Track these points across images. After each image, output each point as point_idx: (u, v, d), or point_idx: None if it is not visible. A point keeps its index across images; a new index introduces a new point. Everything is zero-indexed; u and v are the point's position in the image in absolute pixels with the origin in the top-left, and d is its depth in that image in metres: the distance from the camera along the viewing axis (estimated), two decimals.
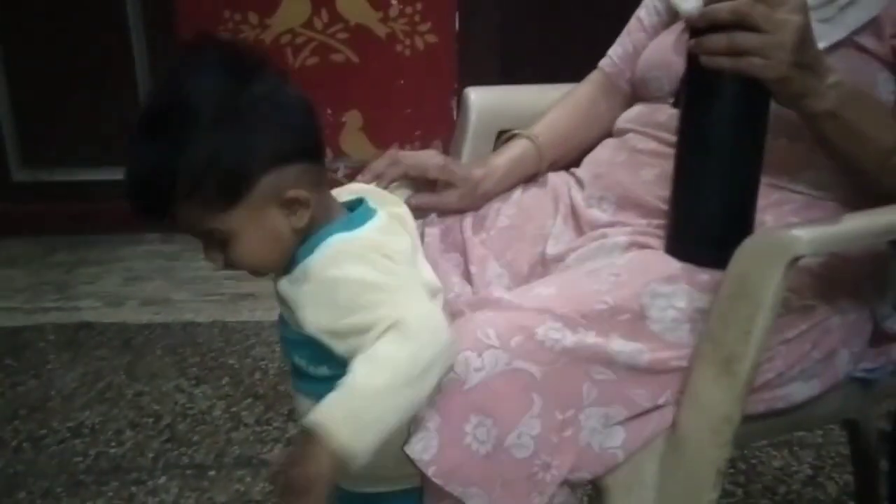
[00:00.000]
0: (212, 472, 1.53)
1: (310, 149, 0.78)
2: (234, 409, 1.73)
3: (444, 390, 0.78)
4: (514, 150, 1.09)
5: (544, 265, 1.01)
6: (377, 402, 0.70)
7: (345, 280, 0.74)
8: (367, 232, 0.78)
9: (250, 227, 0.75)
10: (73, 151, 2.54)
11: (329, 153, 2.53)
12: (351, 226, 0.79)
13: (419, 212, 1.01)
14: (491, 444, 0.77)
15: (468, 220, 1.05)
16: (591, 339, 0.81)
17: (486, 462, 0.78)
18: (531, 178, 1.10)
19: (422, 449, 0.77)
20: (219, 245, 0.76)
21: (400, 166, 0.98)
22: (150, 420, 1.69)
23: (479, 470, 0.78)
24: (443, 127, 2.38)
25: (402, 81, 2.42)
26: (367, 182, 0.95)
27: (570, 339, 0.80)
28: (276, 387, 1.80)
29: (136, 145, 0.75)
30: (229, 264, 0.77)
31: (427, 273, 0.85)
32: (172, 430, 1.66)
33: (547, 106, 1.16)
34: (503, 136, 1.14)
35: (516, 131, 1.12)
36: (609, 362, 0.82)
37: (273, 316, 0.90)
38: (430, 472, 0.77)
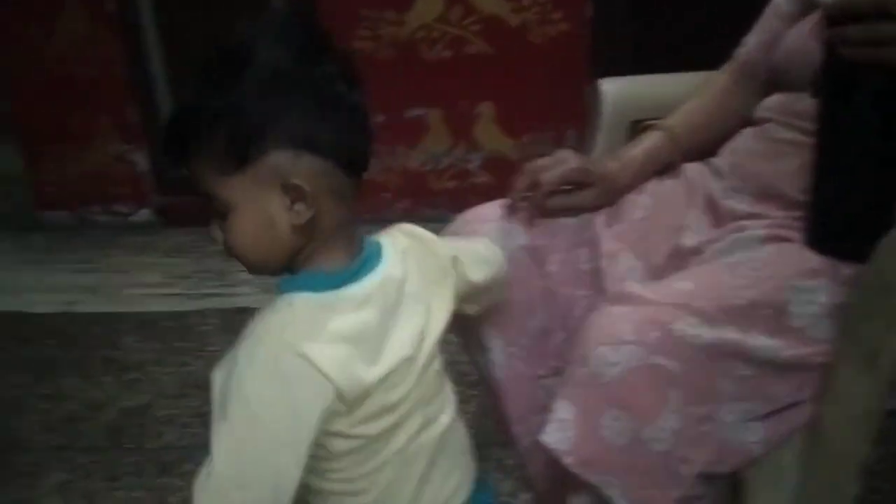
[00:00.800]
0: None
1: (338, 151, 0.72)
2: None
3: (578, 383, 0.81)
4: (649, 141, 1.09)
5: (680, 257, 1.01)
6: None
7: (240, 382, 0.70)
8: (328, 306, 0.74)
9: (248, 204, 0.72)
10: None
11: (463, 146, 2.56)
12: (326, 285, 0.75)
13: (557, 214, 1.03)
14: (628, 437, 0.79)
15: (602, 214, 1.04)
16: (730, 334, 0.81)
17: (622, 454, 0.79)
18: (666, 169, 1.10)
19: (558, 439, 0.79)
20: (220, 218, 0.75)
21: (543, 187, 1.00)
22: None
23: (617, 461, 0.79)
24: (576, 116, 2.37)
25: (534, 71, 2.42)
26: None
27: (708, 334, 0.81)
28: None
29: (190, 79, 0.74)
30: (227, 245, 0.76)
31: (398, 340, 0.77)
32: None
33: (681, 95, 1.16)
34: (639, 127, 1.14)
35: (651, 122, 1.12)
36: (748, 358, 0.82)
37: None
38: (567, 461, 0.79)
